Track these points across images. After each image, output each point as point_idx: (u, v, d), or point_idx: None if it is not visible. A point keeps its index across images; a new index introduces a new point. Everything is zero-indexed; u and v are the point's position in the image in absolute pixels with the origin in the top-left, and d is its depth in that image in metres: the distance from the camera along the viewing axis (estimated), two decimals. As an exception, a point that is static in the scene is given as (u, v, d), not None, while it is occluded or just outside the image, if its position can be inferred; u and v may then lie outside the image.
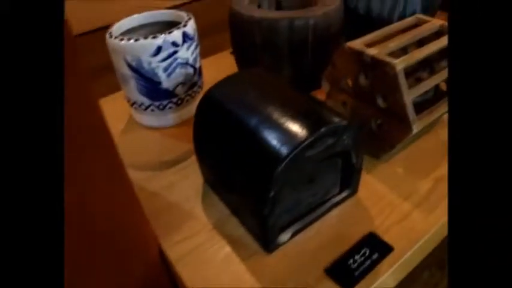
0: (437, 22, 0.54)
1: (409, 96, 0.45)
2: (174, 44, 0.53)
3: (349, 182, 0.46)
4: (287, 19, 0.56)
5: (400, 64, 0.45)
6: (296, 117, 0.38)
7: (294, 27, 0.57)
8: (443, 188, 0.49)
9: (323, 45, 0.60)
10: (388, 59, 0.45)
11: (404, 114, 0.46)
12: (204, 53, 0.82)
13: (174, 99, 0.57)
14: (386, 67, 0.45)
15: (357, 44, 0.49)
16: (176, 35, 0.53)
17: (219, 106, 0.44)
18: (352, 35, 0.78)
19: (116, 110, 0.67)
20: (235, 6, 0.60)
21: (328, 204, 0.46)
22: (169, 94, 0.56)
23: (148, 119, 0.60)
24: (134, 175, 0.54)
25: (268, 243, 0.42)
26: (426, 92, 0.53)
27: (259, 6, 0.63)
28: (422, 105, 0.52)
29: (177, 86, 0.56)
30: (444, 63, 0.56)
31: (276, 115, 0.39)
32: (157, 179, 0.53)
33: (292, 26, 0.57)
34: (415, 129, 0.46)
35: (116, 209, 0.37)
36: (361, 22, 0.73)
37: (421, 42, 0.56)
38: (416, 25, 0.56)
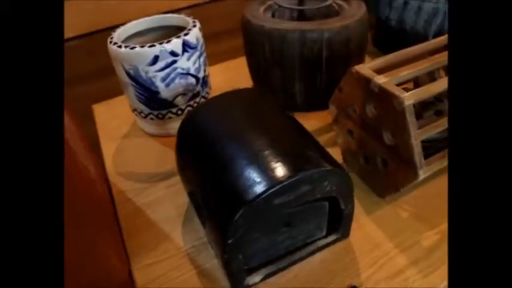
0: (471, 46, 0.46)
1: (418, 137, 0.39)
2: (173, 53, 0.50)
3: (337, 226, 0.41)
4: (298, 31, 0.51)
5: (409, 99, 0.38)
6: (270, 157, 0.34)
7: (306, 41, 0.51)
8: (452, 244, 0.42)
9: (340, 61, 0.54)
10: (397, 91, 0.39)
11: (410, 157, 0.40)
12: (225, 56, 0.79)
13: (174, 110, 0.55)
14: (393, 100, 0.39)
15: (366, 68, 0.43)
16: (175, 44, 0.50)
17: (197, 133, 0.40)
18: (384, 48, 0.71)
19: (124, 111, 0.66)
20: (247, 14, 0.56)
21: (311, 248, 0.41)
22: (168, 104, 0.54)
23: (148, 126, 0.58)
24: (124, 187, 0.53)
25: (235, 285, 0.38)
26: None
27: (273, 16, 0.58)
28: (438, 144, 0.45)
29: (177, 96, 0.54)
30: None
31: (250, 152, 0.35)
32: (146, 193, 0.51)
33: (304, 39, 0.51)
34: (422, 175, 0.40)
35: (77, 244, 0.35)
36: (393, 35, 0.66)
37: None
38: (447, 47, 0.48)
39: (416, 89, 0.39)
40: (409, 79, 0.43)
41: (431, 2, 0.59)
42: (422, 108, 0.47)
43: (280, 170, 0.33)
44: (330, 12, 0.59)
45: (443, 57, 0.44)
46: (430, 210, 0.45)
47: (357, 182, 0.49)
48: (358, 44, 0.55)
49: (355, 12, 0.55)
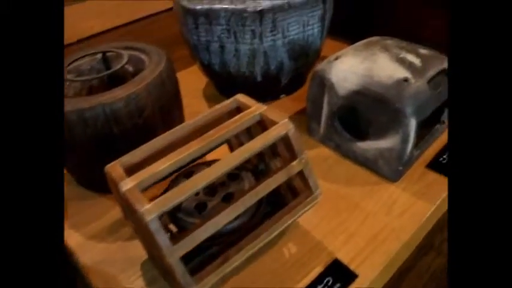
0: (258, 109, 0.39)
1: (175, 254, 0.32)
2: None
3: None
4: (76, 112, 0.43)
5: (150, 212, 0.31)
6: None
7: (87, 120, 0.43)
8: None
9: (140, 132, 0.46)
10: (137, 203, 0.31)
11: (174, 276, 0.32)
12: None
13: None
14: (137, 214, 0.31)
15: (118, 167, 0.35)
16: None
17: None
18: (224, 92, 0.64)
19: None
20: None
21: None
22: None
23: None
24: None
25: None
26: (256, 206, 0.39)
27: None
28: (231, 236, 0.38)
29: None
30: (279, 162, 0.41)
31: None
32: None
33: (84, 118, 0.43)
34: (194, 294, 0.33)
35: None
36: (223, 79, 0.58)
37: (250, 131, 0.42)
38: (238, 109, 0.41)
39: (163, 196, 0.32)
40: (168, 174, 0.35)
41: (246, 43, 0.51)
42: (210, 193, 0.40)
43: None
44: (130, 74, 0.50)
45: (213, 136, 0.36)
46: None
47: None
48: (159, 108, 0.47)
49: (151, 72, 0.47)
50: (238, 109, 0.41)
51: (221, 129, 0.37)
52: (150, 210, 0.31)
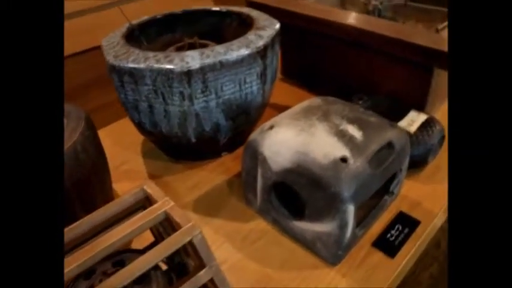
0: (163, 206, 0.34)
1: None
2: None
3: None
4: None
5: None
6: None
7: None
8: None
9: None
10: None
11: None
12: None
13: None
14: None
15: None
16: None
17: None
18: (167, 151, 0.59)
19: None
20: None
21: None
22: None
23: None
24: None
25: None
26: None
27: None
28: None
29: None
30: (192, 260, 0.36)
31: None
32: None
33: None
34: None
35: None
36: (156, 139, 0.53)
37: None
38: (148, 199, 0.36)
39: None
40: None
41: (175, 105, 0.46)
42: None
43: None
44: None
45: (128, 230, 0.31)
46: None
47: None
48: (73, 185, 0.41)
49: (64, 141, 0.42)
50: (148, 198, 0.37)
51: (122, 230, 0.32)
52: None
